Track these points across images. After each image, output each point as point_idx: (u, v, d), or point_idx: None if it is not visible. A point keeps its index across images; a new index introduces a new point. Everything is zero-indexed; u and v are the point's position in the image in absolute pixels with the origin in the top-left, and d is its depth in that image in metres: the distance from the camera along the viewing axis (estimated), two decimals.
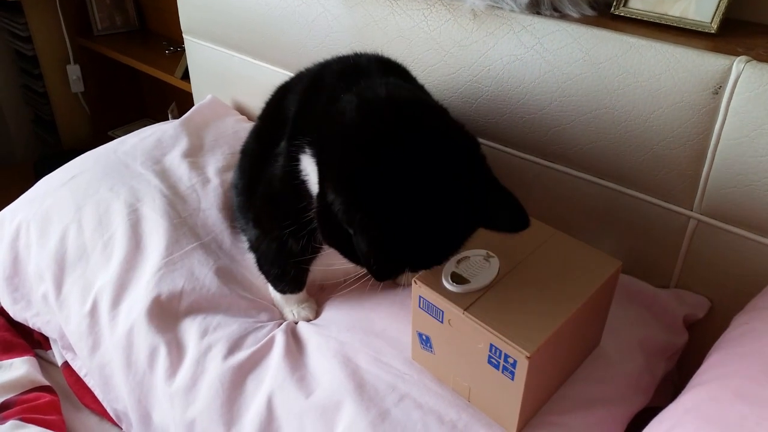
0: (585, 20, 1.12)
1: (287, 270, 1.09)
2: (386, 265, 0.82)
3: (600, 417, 0.91)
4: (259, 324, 1.11)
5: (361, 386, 0.93)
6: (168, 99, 2.74)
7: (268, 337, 1.06)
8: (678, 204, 1.06)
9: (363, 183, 0.78)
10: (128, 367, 1.07)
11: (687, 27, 1.07)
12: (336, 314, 1.11)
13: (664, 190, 1.06)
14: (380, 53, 1.08)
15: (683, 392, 0.79)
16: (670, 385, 1.10)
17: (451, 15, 1.20)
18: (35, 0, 2.57)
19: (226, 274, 1.19)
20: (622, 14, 1.14)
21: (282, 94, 1.11)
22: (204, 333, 1.07)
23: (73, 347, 1.19)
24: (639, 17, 1.12)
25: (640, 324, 1.05)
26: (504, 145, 1.23)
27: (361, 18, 1.34)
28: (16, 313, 1.29)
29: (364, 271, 0.88)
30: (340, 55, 1.06)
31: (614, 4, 1.15)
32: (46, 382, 1.17)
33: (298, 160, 0.90)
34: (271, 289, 1.17)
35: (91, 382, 1.17)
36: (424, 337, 0.93)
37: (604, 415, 0.91)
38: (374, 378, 0.94)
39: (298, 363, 1.01)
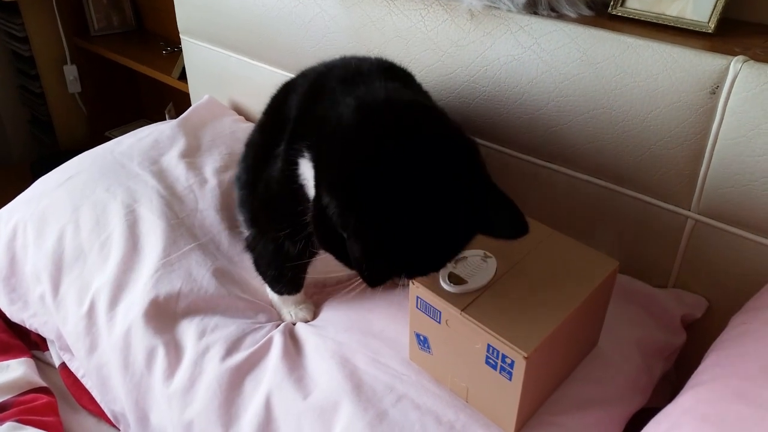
0: (582, 20, 1.12)
1: (284, 272, 1.09)
2: (379, 271, 0.80)
3: (598, 417, 0.91)
4: (257, 325, 1.11)
5: (358, 387, 0.93)
6: (165, 99, 2.73)
7: (266, 338, 1.06)
8: (676, 204, 1.06)
9: (358, 186, 0.76)
10: (126, 368, 1.06)
11: (684, 27, 1.07)
12: (334, 315, 1.11)
13: (661, 190, 1.06)
14: (383, 58, 1.08)
15: (681, 392, 0.79)
16: (668, 385, 1.10)
17: (449, 15, 1.20)
18: (32, 0, 2.56)
19: (223, 275, 1.19)
20: (619, 14, 1.14)
21: (286, 92, 1.10)
22: (202, 334, 1.07)
23: (70, 348, 1.18)
24: (636, 17, 1.12)
25: (637, 324, 1.05)
26: (501, 145, 1.22)
27: (358, 18, 1.34)
28: (13, 313, 1.29)
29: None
30: (345, 57, 1.05)
31: (611, 3, 1.15)
32: (43, 384, 1.16)
33: (296, 164, 0.90)
34: (268, 290, 1.17)
35: (89, 383, 1.16)
36: (421, 338, 0.93)
37: (602, 415, 0.91)
38: (372, 379, 0.94)
39: (296, 364, 1.01)
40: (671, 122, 1.00)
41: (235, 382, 1.00)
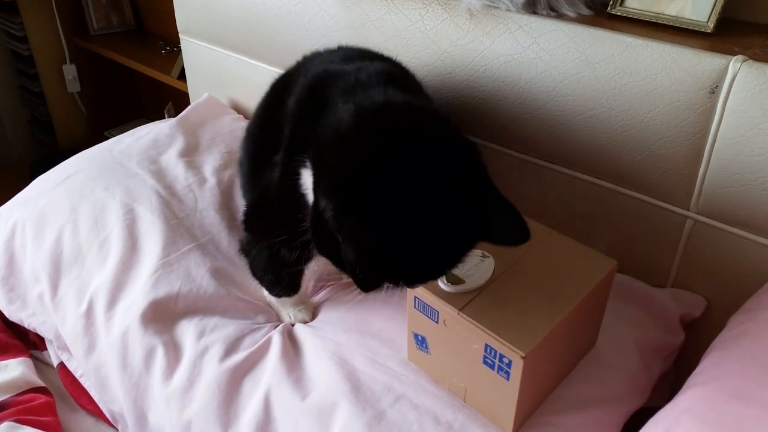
0: (581, 19, 1.12)
1: (281, 276, 1.09)
2: (373, 276, 0.78)
3: (596, 417, 0.91)
4: (256, 326, 1.11)
5: (357, 387, 0.93)
6: (164, 99, 2.73)
7: (265, 338, 1.06)
8: (675, 204, 1.06)
9: (355, 189, 0.75)
10: (124, 368, 1.06)
11: (683, 26, 1.07)
12: (332, 315, 1.11)
13: (660, 189, 1.06)
14: (382, 56, 1.08)
15: (680, 393, 0.79)
16: (667, 384, 1.10)
17: (448, 14, 1.20)
18: (31, 0, 2.56)
19: (223, 276, 1.19)
20: (618, 13, 1.14)
21: (283, 91, 1.06)
22: (201, 334, 1.07)
23: (68, 348, 1.18)
24: (636, 16, 1.12)
25: (636, 324, 1.05)
26: (500, 145, 1.22)
27: (358, 17, 1.33)
28: (12, 313, 1.29)
29: None
30: (343, 48, 1.03)
31: (611, 3, 1.15)
32: (41, 383, 1.16)
33: (298, 173, 0.89)
34: (265, 292, 1.16)
35: (87, 383, 1.16)
36: (419, 338, 0.93)
37: (601, 415, 0.91)
38: (370, 379, 0.94)
39: (295, 364, 1.01)
40: (670, 122, 1.00)
41: (234, 382, 1.00)
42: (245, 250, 1.14)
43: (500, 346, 0.80)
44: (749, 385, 0.72)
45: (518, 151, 1.20)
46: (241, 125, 1.59)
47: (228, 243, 1.27)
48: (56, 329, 1.21)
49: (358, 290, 0.80)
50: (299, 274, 1.11)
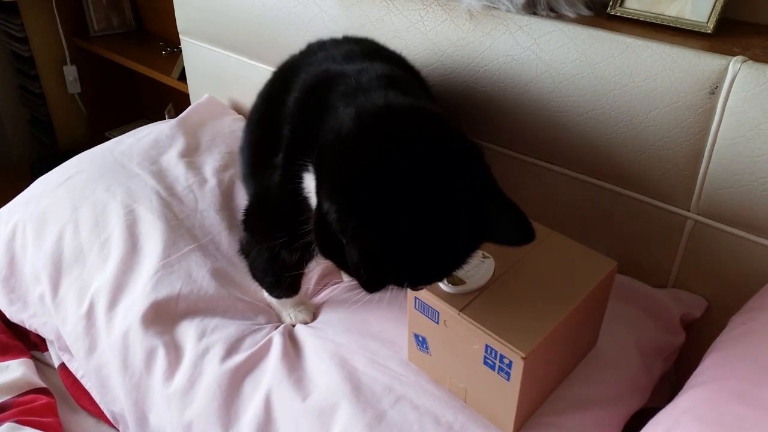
0: (581, 20, 1.12)
1: (281, 278, 1.09)
2: (377, 277, 0.78)
3: (596, 417, 0.91)
4: (257, 326, 1.11)
5: (357, 388, 0.93)
6: (165, 100, 2.73)
7: (266, 339, 1.06)
8: (675, 204, 1.06)
9: (358, 190, 0.75)
10: (125, 369, 1.06)
11: (683, 27, 1.07)
12: (333, 316, 1.11)
13: (661, 190, 1.06)
14: (387, 59, 1.07)
15: (680, 393, 0.79)
16: (668, 385, 1.10)
17: (448, 15, 1.20)
18: (31, 1, 2.56)
19: (223, 277, 1.19)
20: (618, 14, 1.14)
21: (287, 81, 1.04)
22: (201, 335, 1.07)
23: (69, 349, 1.18)
24: (635, 17, 1.12)
25: (636, 324, 1.05)
26: (500, 146, 1.22)
27: (358, 19, 1.34)
28: (13, 314, 1.29)
29: None
30: (347, 58, 1.02)
31: (611, 4, 1.15)
32: (42, 384, 1.16)
33: (301, 177, 0.88)
34: (266, 294, 1.17)
35: (88, 384, 1.16)
36: (420, 339, 0.93)
37: (601, 415, 0.91)
38: (371, 380, 0.94)
39: (295, 365, 1.01)
40: (670, 122, 1.00)
41: (235, 383, 1.00)
42: (245, 251, 1.14)
43: (501, 347, 0.80)
44: (750, 386, 0.72)
45: (518, 151, 1.21)
46: (241, 126, 1.59)
47: (228, 244, 1.27)
48: (57, 330, 1.21)
49: (362, 291, 0.80)
50: (299, 275, 1.11)
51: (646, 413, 0.82)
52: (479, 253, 0.91)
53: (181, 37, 1.86)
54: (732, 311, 0.93)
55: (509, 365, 0.80)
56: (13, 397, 1.11)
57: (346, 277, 1.22)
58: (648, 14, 1.11)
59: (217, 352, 1.04)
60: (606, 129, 1.07)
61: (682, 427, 0.71)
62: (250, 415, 0.95)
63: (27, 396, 1.12)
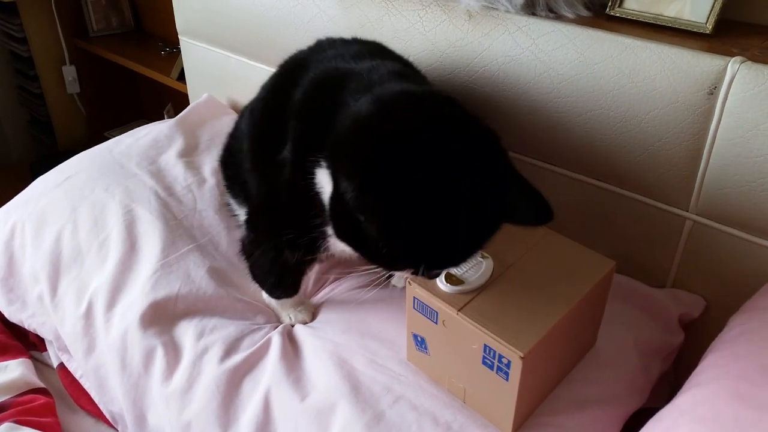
0: (580, 21, 1.12)
1: (284, 278, 1.09)
2: (396, 253, 0.78)
3: (595, 417, 0.91)
4: (256, 326, 1.11)
5: (356, 388, 0.93)
6: (164, 100, 2.73)
7: (265, 339, 1.06)
8: (674, 205, 1.06)
9: (376, 167, 0.75)
10: (123, 369, 1.06)
11: (682, 27, 1.07)
12: (332, 316, 1.11)
13: (659, 190, 1.06)
14: (395, 59, 1.08)
15: (679, 393, 0.79)
16: (667, 385, 1.10)
17: (447, 16, 1.20)
18: (31, 1, 2.56)
19: (222, 277, 1.19)
20: (617, 15, 1.14)
21: (294, 76, 1.03)
22: (200, 335, 1.07)
23: (68, 349, 1.18)
24: (634, 18, 1.12)
25: (635, 324, 1.05)
26: None
27: (357, 19, 1.34)
28: (11, 314, 1.29)
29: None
30: (355, 58, 1.02)
31: (609, 4, 1.15)
32: (41, 384, 1.16)
33: (312, 173, 0.88)
34: (265, 295, 1.16)
35: (87, 384, 1.16)
36: (419, 339, 0.93)
37: (600, 415, 0.91)
38: (369, 380, 0.94)
39: (294, 365, 1.01)
40: (669, 123, 1.00)
41: (234, 383, 1.00)
42: (247, 251, 1.14)
43: (499, 347, 0.80)
44: (749, 386, 0.72)
45: (517, 152, 1.20)
46: None
47: (227, 243, 1.27)
48: (56, 330, 1.21)
49: (366, 287, 0.80)
50: (301, 274, 1.11)
51: (645, 413, 0.82)
52: (478, 253, 0.92)
53: (180, 37, 1.86)
54: (731, 311, 0.93)
55: (508, 365, 0.80)
56: (11, 397, 1.11)
57: (355, 272, 1.20)
58: (647, 15, 1.11)
59: (215, 352, 1.03)
60: (605, 129, 1.07)
61: (681, 428, 0.71)
62: (249, 415, 0.95)
63: (26, 396, 1.12)
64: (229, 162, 1.25)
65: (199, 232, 1.27)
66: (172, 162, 1.43)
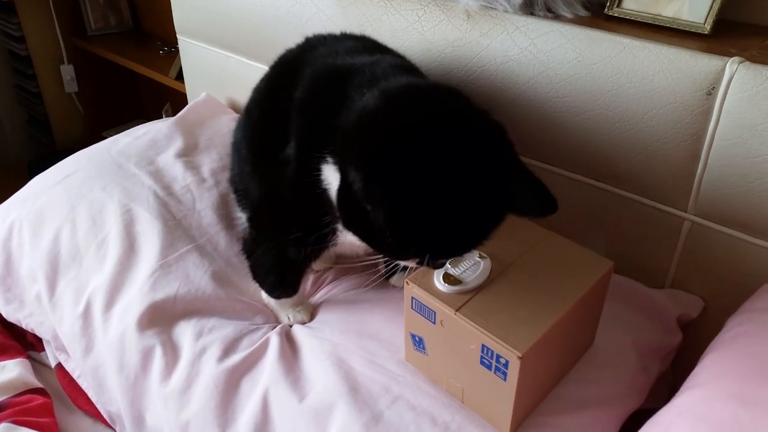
0: (578, 21, 1.12)
1: (285, 277, 1.09)
2: (402, 240, 0.79)
3: (594, 417, 0.91)
4: (254, 326, 1.10)
5: (354, 388, 0.93)
6: (162, 99, 2.73)
7: (263, 339, 1.06)
8: (672, 205, 1.06)
9: (383, 157, 0.76)
10: (121, 369, 1.06)
11: (680, 28, 1.07)
12: (330, 316, 1.11)
13: (658, 191, 1.06)
14: (394, 54, 1.08)
15: (677, 394, 0.79)
16: (665, 385, 1.10)
17: (445, 15, 1.20)
18: (28, 0, 2.56)
19: (221, 277, 1.19)
20: (615, 15, 1.14)
21: (289, 75, 1.04)
22: (199, 335, 1.07)
23: (66, 349, 1.18)
24: (632, 18, 1.12)
25: (634, 324, 1.05)
26: None
27: (355, 19, 1.33)
28: (9, 313, 1.29)
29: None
30: (350, 53, 1.02)
31: (608, 4, 1.15)
32: (39, 384, 1.16)
33: (318, 170, 0.89)
34: (264, 294, 1.16)
35: (85, 384, 1.16)
36: (417, 339, 0.93)
37: (598, 415, 0.91)
38: (368, 380, 0.94)
39: (293, 365, 1.00)
40: (667, 123, 1.00)
41: (232, 383, 1.00)
42: (249, 249, 1.14)
43: (497, 347, 0.80)
44: (747, 387, 0.72)
45: None
46: None
47: (226, 243, 1.27)
48: (54, 330, 1.20)
49: (383, 264, 0.80)
50: (301, 274, 1.11)
51: (644, 414, 0.82)
52: (476, 253, 0.92)
53: (178, 36, 1.86)
54: (729, 312, 0.93)
55: (506, 365, 0.80)
56: (9, 398, 1.10)
57: (359, 262, 1.18)
58: (645, 15, 1.11)
59: (214, 352, 1.03)
60: (603, 130, 1.07)
61: (679, 428, 0.71)
62: (247, 415, 0.95)
63: (23, 396, 1.12)
64: (236, 177, 1.24)
65: (198, 232, 1.27)
66: (170, 161, 1.42)
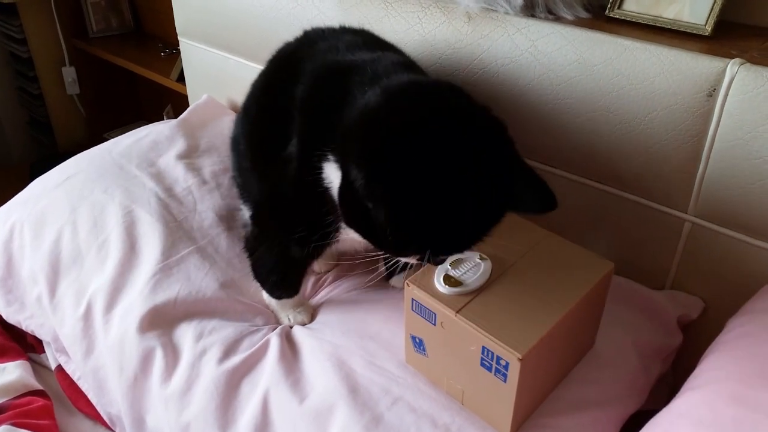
0: (579, 23, 1.12)
1: (287, 277, 1.09)
2: (403, 237, 0.80)
3: (594, 418, 0.91)
4: (255, 328, 1.10)
5: (354, 390, 0.93)
6: (164, 101, 2.73)
7: (263, 340, 1.06)
8: (673, 207, 1.06)
9: (384, 156, 0.77)
10: (122, 371, 1.06)
11: (681, 29, 1.07)
12: (331, 317, 1.11)
13: (659, 192, 1.06)
14: (395, 51, 1.08)
15: (677, 396, 0.79)
16: (665, 387, 1.10)
17: (446, 17, 1.20)
18: (30, 2, 2.56)
19: (222, 278, 1.19)
20: (616, 16, 1.14)
21: (289, 70, 1.03)
22: (199, 337, 1.07)
23: (66, 350, 1.18)
24: (633, 19, 1.12)
25: (634, 325, 1.05)
26: None
27: (356, 20, 1.33)
28: (10, 315, 1.29)
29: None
30: (350, 49, 1.02)
31: (609, 6, 1.15)
32: (39, 387, 1.16)
33: (320, 167, 0.89)
34: (265, 294, 1.16)
35: (85, 386, 1.16)
36: (417, 340, 0.93)
37: (599, 416, 0.91)
38: (368, 382, 0.94)
39: (293, 367, 1.00)
40: (668, 125, 1.00)
41: (232, 384, 1.00)
42: (251, 247, 1.14)
43: (497, 348, 0.80)
44: (747, 388, 0.72)
45: None
46: None
47: (227, 245, 1.27)
48: (54, 331, 1.21)
49: (383, 261, 0.80)
50: (303, 273, 1.11)
51: (644, 416, 0.82)
52: (476, 254, 0.92)
53: (179, 38, 1.86)
54: (729, 313, 0.93)
55: (506, 367, 0.80)
56: (9, 400, 1.10)
57: (358, 259, 1.18)
58: (646, 16, 1.11)
59: (214, 353, 1.03)
60: (604, 131, 1.07)
61: (680, 430, 0.71)
62: (248, 417, 0.95)
63: (24, 398, 1.12)
64: (236, 172, 1.24)
65: (199, 233, 1.27)
66: (172, 163, 1.42)
